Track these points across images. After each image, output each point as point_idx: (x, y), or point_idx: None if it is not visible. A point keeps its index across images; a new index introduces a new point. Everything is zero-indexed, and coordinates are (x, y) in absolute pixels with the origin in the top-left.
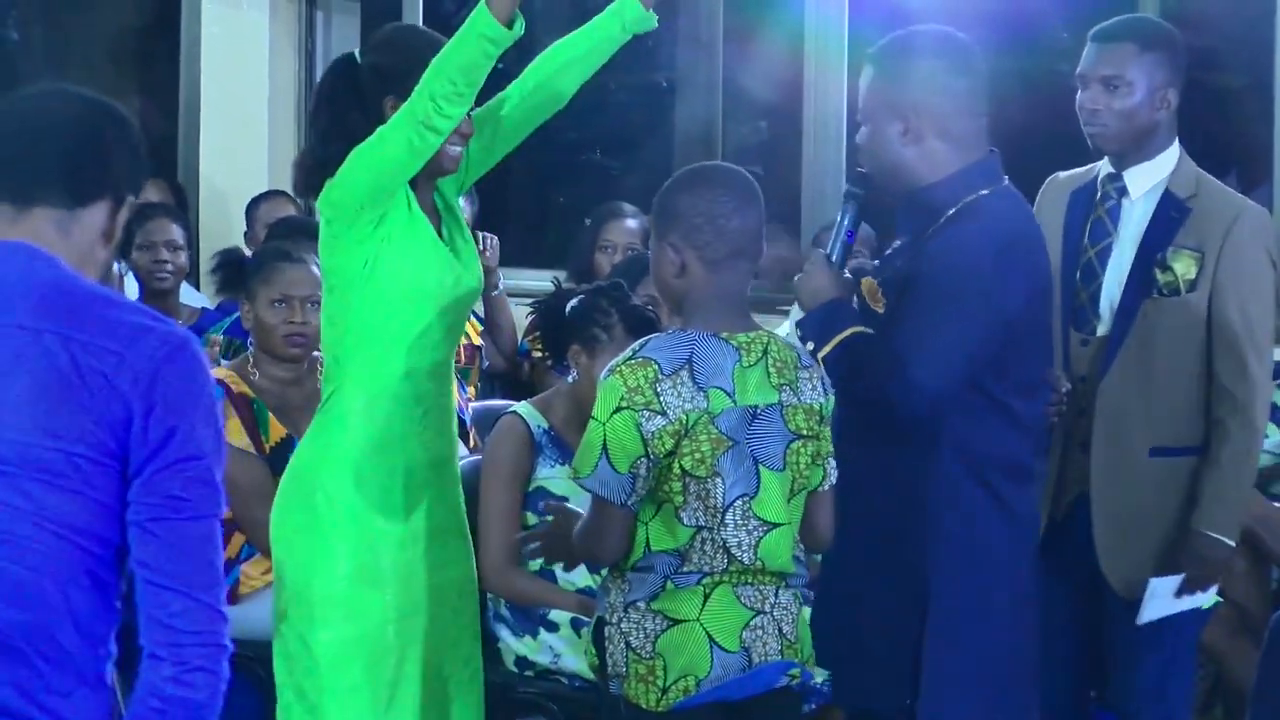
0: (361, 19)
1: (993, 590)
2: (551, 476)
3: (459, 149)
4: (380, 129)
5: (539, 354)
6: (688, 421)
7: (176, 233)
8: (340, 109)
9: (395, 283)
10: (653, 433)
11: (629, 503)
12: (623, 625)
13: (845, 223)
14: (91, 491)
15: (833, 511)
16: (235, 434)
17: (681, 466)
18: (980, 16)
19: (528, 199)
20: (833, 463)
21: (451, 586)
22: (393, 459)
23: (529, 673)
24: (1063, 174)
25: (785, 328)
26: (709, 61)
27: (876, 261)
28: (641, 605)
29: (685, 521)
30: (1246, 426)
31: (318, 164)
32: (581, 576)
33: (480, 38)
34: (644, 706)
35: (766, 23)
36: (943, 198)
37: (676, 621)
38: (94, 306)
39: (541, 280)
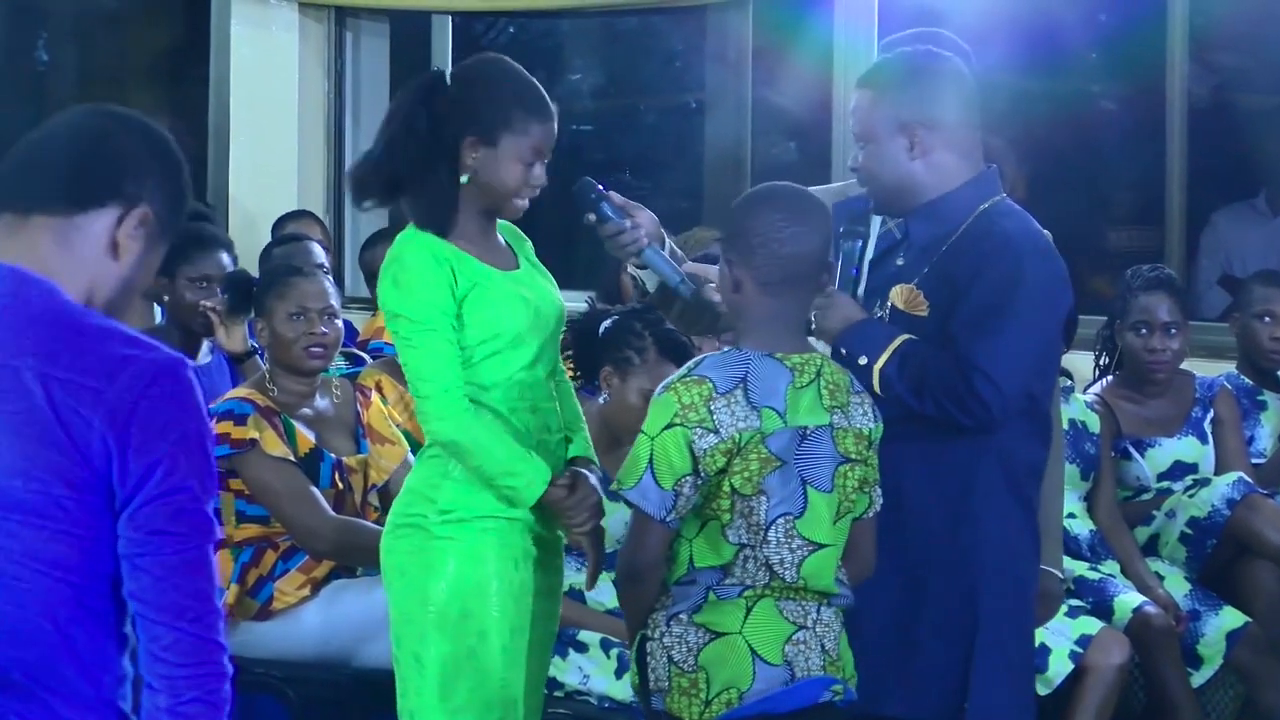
0: (390, 41)
1: (1028, 594)
2: None
3: (525, 203)
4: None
5: (570, 374)
6: (740, 440)
7: (228, 266)
8: (417, 130)
9: (476, 329)
10: (705, 450)
11: (668, 519)
12: (665, 639)
13: (855, 259)
14: (78, 529)
15: (874, 540)
16: (272, 444)
17: (731, 485)
18: (1009, 37)
19: (556, 219)
20: (879, 491)
21: (547, 615)
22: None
23: (558, 693)
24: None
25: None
26: (737, 81)
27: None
28: (684, 618)
29: (730, 539)
30: None
31: (378, 176)
32: (610, 597)
33: (503, 490)
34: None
35: (795, 42)
36: (958, 206)
37: (719, 634)
38: (77, 338)
39: (570, 301)
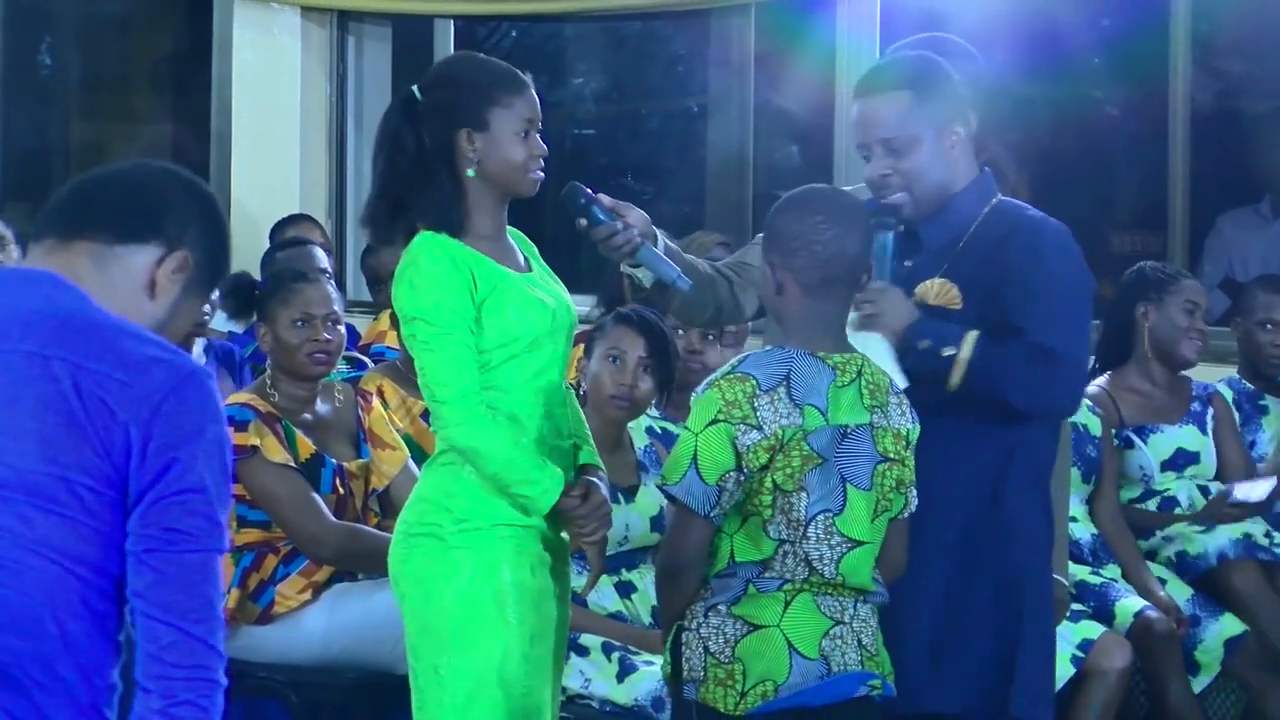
0: (393, 44)
1: (1051, 592)
2: None
3: (539, 175)
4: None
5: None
6: (783, 437)
7: None
8: (407, 149)
9: (495, 332)
10: (748, 447)
11: (712, 514)
12: (701, 630)
13: (890, 249)
14: (91, 520)
15: (906, 540)
16: (273, 450)
17: (773, 481)
18: (1011, 42)
19: (561, 224)
20: (914, 491)
21: (561, 620)
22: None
23: (560, 698)
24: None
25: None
26: (740, 86)
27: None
28: (723, 609)
29: (771, 534)
30: None
31: (395, 209)
32: (612, 601)
33: (518, 498)
34: (721, 710)
35: (798, 47)
36: (966, 207)
37: (757, 627)
38: (108, 336)
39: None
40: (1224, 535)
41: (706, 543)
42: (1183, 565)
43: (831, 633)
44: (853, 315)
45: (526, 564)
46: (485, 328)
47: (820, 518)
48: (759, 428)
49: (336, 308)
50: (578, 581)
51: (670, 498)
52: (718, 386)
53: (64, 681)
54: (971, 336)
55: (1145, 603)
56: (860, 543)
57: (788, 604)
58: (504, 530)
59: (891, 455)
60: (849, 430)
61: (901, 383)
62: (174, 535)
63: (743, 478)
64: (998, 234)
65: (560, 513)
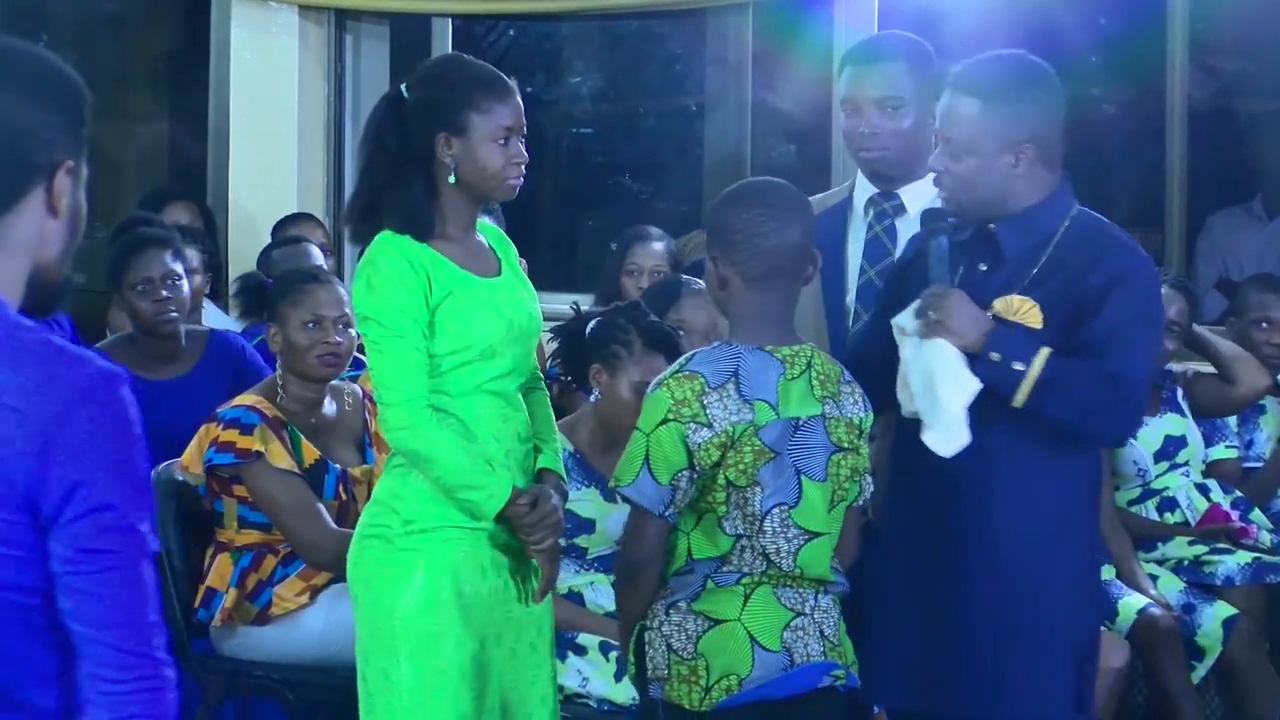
0: (390, 44)
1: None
2: (578, 499)
3: (517, 182)
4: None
5: (562, 377)
6: (733, 433)
7: (172, 263)
8: (387, 148)
9: (448, 339)
10: (699, 445)
11: (666, 513)
12: (664, 628)
13: (946, 255)
14: (14, 550)
15: (859, 527)
16: (278, 456)
17: (726, 477)
18: (1009, 40)
19: (557, 222)
20: (868, 479)
21: (530, 620)
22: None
23: (558, 696)
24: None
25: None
26: (737, 85)
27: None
28: (683, 606)
29: (727, 530)
30: None
31: (368, 208)
32: (610, 600)
33: (464, 503)
34: (686, 707)
35: (795, 45)
36: (1049, 216)
37: (718, 622)
38: (10, 358)
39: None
40: (1235, 559)
41: (662, 542)
42: (1187, 571)
43: (793, 624)
44: (915, 323)
45: (477, 565)
46: (438, 333)
47: (776, 511)
48: (709, 425)
49: (348, 310)
50: (579, 580)
51: (624, 498)
52: (666, 386)
53: (30, 701)
54: (1044, 354)
55: (1147, 600)
56: (817, 534)
57: (747, 597)
58: (452, 532)
59: (845, 444)
60: (801, 422)
61: (974, 388)
62: (92, 555)
63: (695, 476)
64: (1084, 254)
65: (509, 519)
